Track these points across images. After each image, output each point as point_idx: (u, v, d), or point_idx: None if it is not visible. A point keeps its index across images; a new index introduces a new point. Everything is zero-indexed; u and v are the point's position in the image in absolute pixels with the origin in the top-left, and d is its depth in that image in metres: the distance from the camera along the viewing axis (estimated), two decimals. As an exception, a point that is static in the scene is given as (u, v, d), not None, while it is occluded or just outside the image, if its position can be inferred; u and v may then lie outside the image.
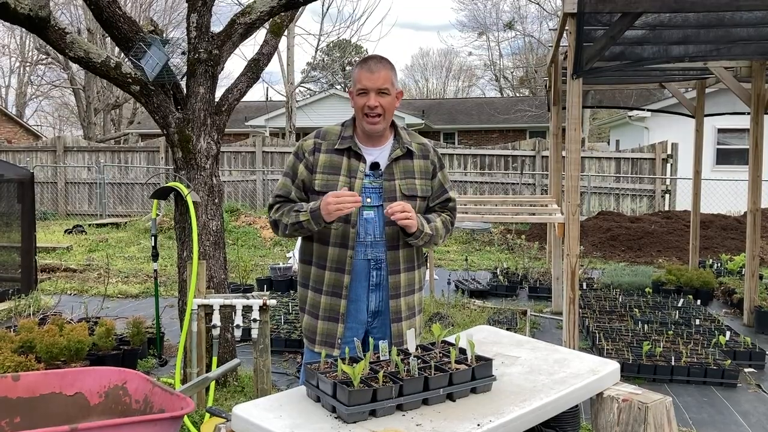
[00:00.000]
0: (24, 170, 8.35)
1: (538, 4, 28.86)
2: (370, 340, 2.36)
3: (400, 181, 2.71)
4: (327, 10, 20.52)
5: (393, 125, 2.80)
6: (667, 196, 15.50)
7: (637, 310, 6.91)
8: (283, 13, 5.01)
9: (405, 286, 2.76)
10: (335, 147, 2.73)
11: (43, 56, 28.93)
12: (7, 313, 6.81)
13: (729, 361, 5.29)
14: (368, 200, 2.69)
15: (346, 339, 2.72)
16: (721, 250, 11.20)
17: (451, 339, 2.40)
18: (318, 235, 2.73)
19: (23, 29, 4.65)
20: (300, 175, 2.75)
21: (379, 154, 2.75)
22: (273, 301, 4.12)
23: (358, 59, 2.80)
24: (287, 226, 2.68)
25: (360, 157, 2.72)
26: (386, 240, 2.70)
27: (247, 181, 17.24)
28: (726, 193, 14.58)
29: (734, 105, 8.58)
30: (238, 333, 4.17)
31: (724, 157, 16.86)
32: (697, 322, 6.40)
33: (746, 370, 5.45)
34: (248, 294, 4.24)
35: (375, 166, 2.72)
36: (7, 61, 37.91)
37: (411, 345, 2.28)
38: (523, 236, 12.82)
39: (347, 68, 34.62)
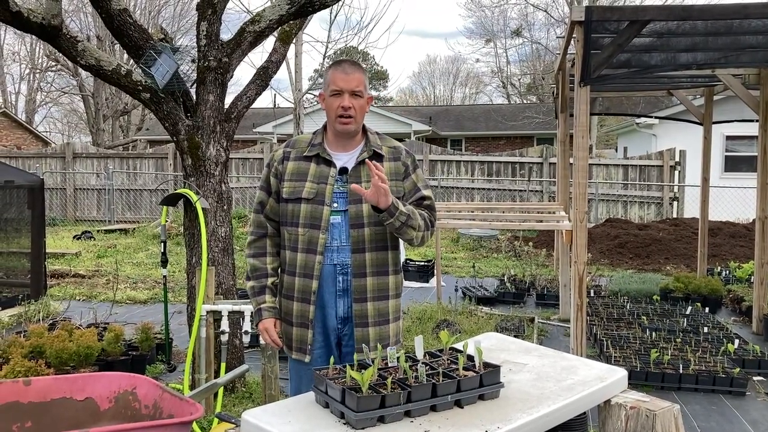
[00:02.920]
0: (34, 176, 8.42)
1: (545, 11, 28.90)
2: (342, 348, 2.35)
3: (367, 184, 2.65)
4: (335, 17, 20.57)
5: (364, 131, 2.79)
6: (675, 203, 15.46)
7: (645, 317, 6.89)
8: (291, 21, 5.05)
9: (373, 291, 2.70)
10: (304, 154, 2.75)
11: (53, 63, 29.14)
12: (17, 318, 6.86)
13: (738, 370, 5.26)
14: (335, 205, 2.68)
15: (316, 345, 2.72)
16: (729, 258, 11.15)
17: (458, 346, 2.41)
18: (288, 243, 2.76)
19: (34, 36, 4.71)
20: (272, 186, 2.79)
21: (349, 159, 2.74)
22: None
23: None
24: (247, 286, 2.85)
25: (330, 163, 2.72)
26: (351, 244, 2.68)
27: (254, 187, 17.29)
28: (734, 201, 14.53)
29: (742, 112, 8.56)
30: (246, 339, 4.19)
31: (732, 164, 16.80)
32: (706, 329, 6.38)
33: (755, 378, 5.42)
34: (256, 300, 4.25)
35: (343, 170, 2.72)
36: (17, 67, 38.24)
37: (419, 351, 2.29)
38: (531, 243, 12.80)
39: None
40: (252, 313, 2.83)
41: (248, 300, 4.34)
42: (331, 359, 2.30)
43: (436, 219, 2.83)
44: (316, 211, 2.67)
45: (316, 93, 29.86)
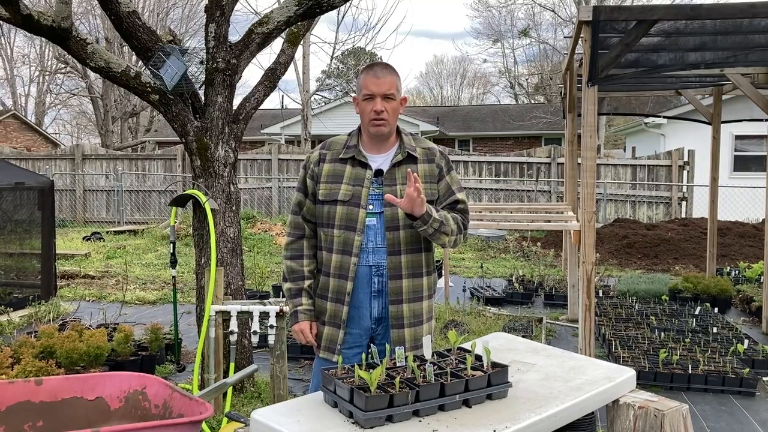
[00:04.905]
0: (44, 178, 8.47)
1: (552, 11, 28.84)
2: (373, 347, 2.37)
3: (402, 187, 2.70)
4: (342, 18, 20.65)
5: (398, 132, 2.81)
6: (683, 203, 15.40)
7: (653, 317, 6.87)
8: (299, 23, 5.06)
9: (408, 293, 2.74)
10: (339, 156, 2.77)
11: (62, 65, 29.32)
12: (28, 319, 6.91)
13: (747, 370, 5.24)
14: (370, 207, 2.70)
15: (346, 345, 2.75)
16: (738, 258, 11.10)
17: (467, 346, 2.41)
18: (323, 244, 2.79)
19: (43, 38, 4.75)
20: (309, 187, 2.81)
21: (384, 161, 2.76)
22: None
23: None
24: (284, 288, 2.88)
25: (365, 165, 2.74)
26: (387, 246, 2.70)
27: (263, 188, 17.34)
28: (743, 200, 14.46)
29: (751, 112, 8.54)
30: (255, 339, 4.21)
31: (741, 163, 16.72)
32: (715, 330, 6.36)
33: (765, 378, 5.40)
34: (265, 300, 4.27)
35: (379, 173, 2.74)
36: (27, 70, 38.48)
37: (427, 351, 2.30)
38: (539, 243, 12.78)
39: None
40: (290, 311, 2.86)
41: (256, 300, 4.37)
42: (363, 357, 2.30)
43: (469, 222, 2.86)
44: (352, 213, 2.70)
45: (323, 94, 29.86)
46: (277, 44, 5.64)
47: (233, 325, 4.18)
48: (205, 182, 4.76)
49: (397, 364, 2.22)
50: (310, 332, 2.79)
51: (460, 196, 2.82)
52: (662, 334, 6.17)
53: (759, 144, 16.29)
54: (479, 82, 48.57)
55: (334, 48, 21.18)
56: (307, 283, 2.82)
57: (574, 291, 7.24)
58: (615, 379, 2.37)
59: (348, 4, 18.79)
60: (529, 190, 16.19)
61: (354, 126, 2.89)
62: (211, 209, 4.50)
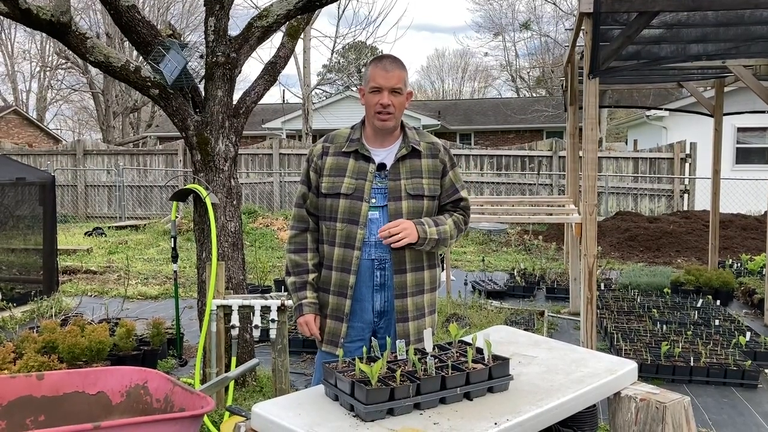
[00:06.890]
0: (45, 173, 8.47)
1: (554, 3, 28.76)
2: (374, 340, 2.37)
3: (406, 181, 2.71)
4: (343, 12, 20.63)
5: (402, 126, 2.81)
6: (685, 195, 15.36)
7: (655, 310, 6.86)
8: (299, 16, 5.05)
9: (412, 286, 2.75)
10: (342, 150, 2.77)
11: (63, 61, 29.29)
12: (30, 314, 6.92)
13: (749, 362, 5.24)
14: (373, 201, 2.71)
15: (349, 338, 2.75)
16: (741, 251, 11.08)
17: (468, 339, 2.41)
18: (326, 237, 2.78)
19: (44, 34, 4.74)
20: (312, 180, 2.81)
21: (387, 154, 2.76)
22: (291, 302, 4.15)
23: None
24: (288, 281, 2.87)
25: (368, 159, 2.74)
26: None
27: (264, 183, 17.33)
28: (746, 193, 14.43)
29: (754, 104, 8.49)
30: (256, 333, 4.21)
31: (743, 156, 16.67)
32: (717, 322, 6.35)
33: (767, 371, 5.39)
34: (266, 295, 4.27)
35: (382, 166, 2.74)
36: (28, 65, 38.46)
37: (428, 344, 2.29)
38: (540, 237, 12.77)
39: (363, 70, 34.60)
40: (294, 305, 2.85)
41: (257, 295, 4.37)
42: (363, 350, 2.31)
43: (469, 217, 2.91)
44: (355, 206, 2.70)
45: (324, 88, 29.86)
46: (278, 38, 5.63)
47: (235, 320, 4.18)
48: (205, 177, 4.75)
49: (398, 358, 2.22)
50: (314, 325, 2.79)
51: (464, 193, 2.85)
52: (664, 326, 6.17)
53: (761, 136, 16.25)
54: (481, 76, 48.50)
55: (335, 42, 21.17)
56: (311, 276, 2.81)
57: (576, 284, 7.23)
58: (617, 372, 2.37)
59: (348, -3, 18.71)
60: (530, 184, 16.16)
61: (355, 120, 2.88)
62: (212, 204, 4.50)
